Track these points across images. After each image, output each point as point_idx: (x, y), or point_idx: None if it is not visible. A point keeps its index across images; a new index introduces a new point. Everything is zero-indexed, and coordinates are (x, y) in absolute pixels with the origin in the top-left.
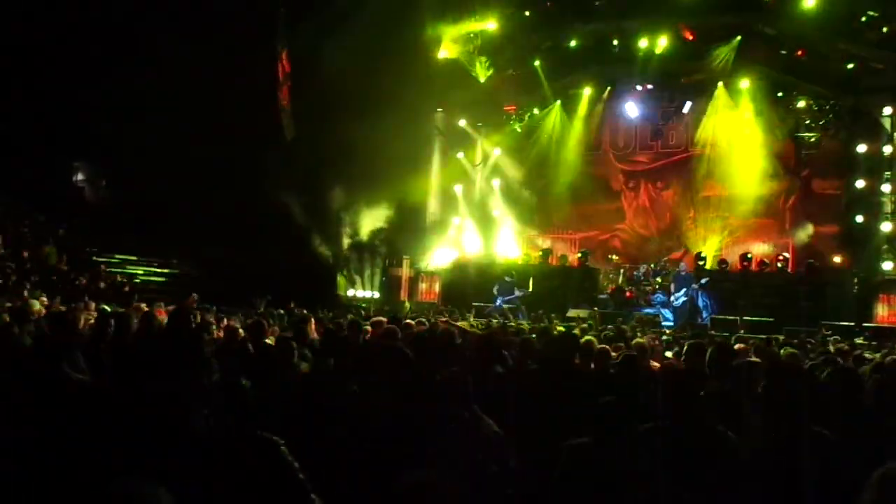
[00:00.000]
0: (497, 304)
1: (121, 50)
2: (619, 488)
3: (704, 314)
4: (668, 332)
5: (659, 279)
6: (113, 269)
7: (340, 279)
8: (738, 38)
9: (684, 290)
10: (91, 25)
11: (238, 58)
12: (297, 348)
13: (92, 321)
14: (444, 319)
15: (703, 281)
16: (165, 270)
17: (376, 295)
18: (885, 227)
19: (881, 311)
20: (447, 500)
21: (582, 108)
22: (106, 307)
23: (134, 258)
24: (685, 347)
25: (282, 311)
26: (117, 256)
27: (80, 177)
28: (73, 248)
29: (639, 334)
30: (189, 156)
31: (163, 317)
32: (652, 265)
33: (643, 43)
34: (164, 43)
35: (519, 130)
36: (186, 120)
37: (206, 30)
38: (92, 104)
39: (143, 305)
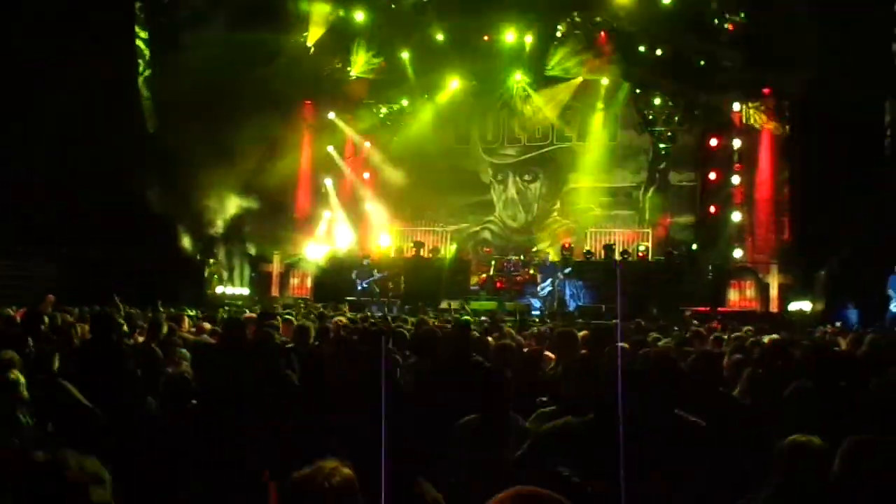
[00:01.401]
0: (358, 287)
1: None
2: None
3: (572, 303)
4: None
5: (529, 269)
6: None
7: (209, 276)
8: (601, 33)
9: (549, 280)
10: None
11: (95, 49)
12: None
13: None
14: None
15: (566, 270)
16: (19, 273)
17: (246, 291)
18: (736, 216)
19: (733, 296)
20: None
21: (450, 101)
22: None
23: None
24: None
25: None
26: None
27: None
28: None
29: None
30: (44, 151)
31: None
32: (521, 256)
33: (510, 37)
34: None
35: (389, 124)
36: (40, 114)
37: (61, 21)
38: None
39: None
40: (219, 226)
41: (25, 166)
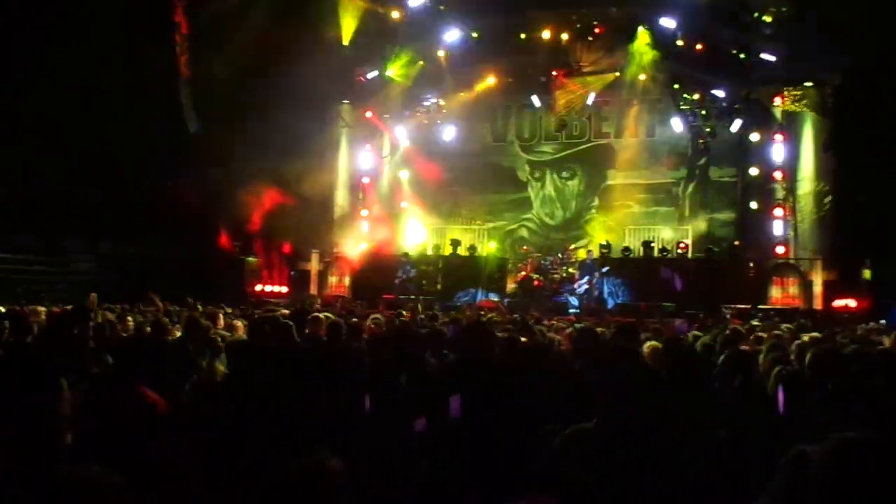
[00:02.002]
0: (397, 281)
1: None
2: None
3: (610, 301)
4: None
5: (566, 267)
6: (2, 267)
7: (247, 273)
8: (640, 29)
9: (587, 277)
10: None
11: (137, 46)
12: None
13: None
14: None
15: (604, 269)
16: (59, 269)
17: (284, 289)
18: (778, 212)
19: (775, 293)
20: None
21: (487, 99)
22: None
23: (27, 256)
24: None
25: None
26: (7, 255)
27: None
28: None
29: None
30: (83, 148)
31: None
32: (559, 254)
33: (546, 34)
34: (62, 28)
35: (426, 122)
36: (79, 111)
37: (105, 17)
38: None
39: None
40: (257, 224)
41: (68, 163)
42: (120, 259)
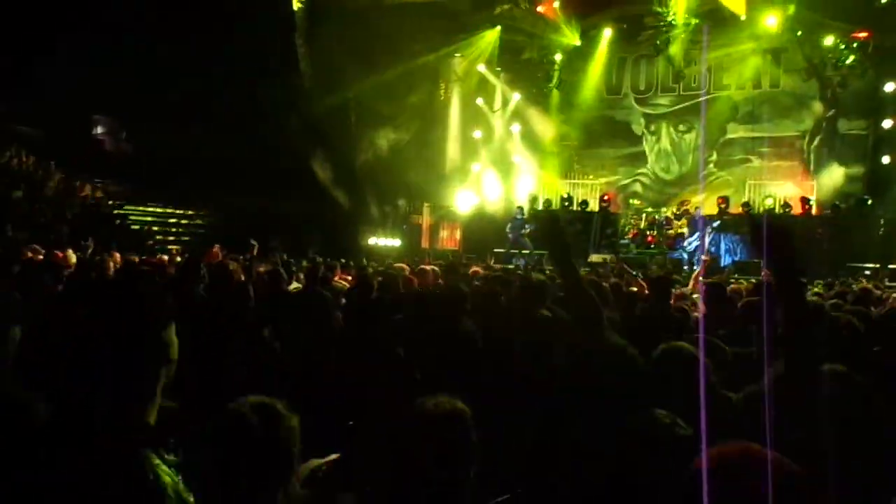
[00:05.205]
0: (510, 238)
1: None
2: None
3: (727, 258)
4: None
5: (680, 223)
6: (135, 219)
7: (361, 228)
8: None
9: (697, 234)
10: None
11: (255, 14)
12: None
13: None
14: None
15: (714, 224)
16: (187, 222)
17: (398, 243)
18: None
19: None
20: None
21: (602, 51)
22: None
23: (157, 209)
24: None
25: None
26: (139, 208)
27: (99, 129)
28: (95, 201)
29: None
30: (208, 107)
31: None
32: (673, 209)
33: None
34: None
35: (539, 75)
36: (203, 72)
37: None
38: (107, 59)
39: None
40: (373, 181)
41: (193, 124)
42: (237, 213)
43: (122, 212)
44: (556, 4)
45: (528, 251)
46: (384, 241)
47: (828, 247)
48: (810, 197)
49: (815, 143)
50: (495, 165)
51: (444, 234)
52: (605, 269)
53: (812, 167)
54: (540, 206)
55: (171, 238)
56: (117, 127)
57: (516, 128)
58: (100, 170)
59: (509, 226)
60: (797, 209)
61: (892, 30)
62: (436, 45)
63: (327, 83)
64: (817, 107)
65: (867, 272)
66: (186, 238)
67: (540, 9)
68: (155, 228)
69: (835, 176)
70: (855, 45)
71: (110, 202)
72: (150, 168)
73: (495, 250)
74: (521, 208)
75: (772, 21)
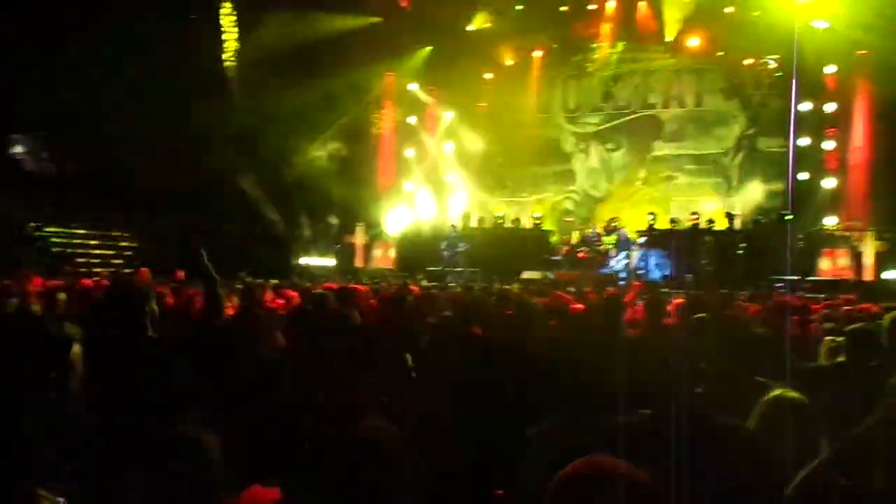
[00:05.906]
0: (445, 256)
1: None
2: None
3: (656, 272)
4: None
5: (610, 238)
6: (55, 241)
7: (293, 247)
8: None
9: (624, 252)
10: None
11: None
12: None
13: None
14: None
15: (640, 240)
16: (113, 243)
17: (331, 262)
18: (828, 183)
19: (824, 265)
20: None
21: (533, 70)
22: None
23: (80, 231)
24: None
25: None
26: (60, 229)
27: (17, 149)
28: (12, 221)
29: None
30: (135, 124)
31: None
32: (603, 226)
33: (592, 6)
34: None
35: (471, 94)
36: (129, 90)
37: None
38: (29, 76)
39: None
40: (303, 199)
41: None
42: (161, 232)
43: (42, 233)
44: (489, 24)
45: (460, 269)
46: (316, 261)
47: (747, 261)
48: (734, 212)
49: (738, 160)
50: (429, 184)
51: (377, 252)
52: (539, 286)
53: (735, 183)
54: (474, 224)
55: (96, 261)
56: (38, 147)
57: (449, 146)
58: (20, 190)
59: (444, 244)
60: (721, 224)
61: (807, 52)
62: (367, 63)
63: (256, 99)
64: (739, 125)
65: (782, 285)
66: (117, 261)
67: (471, 28)
68: (79, 251)
69: (756, 192)
70: (773, 66)
71: (31, 224)
72: (73, 188)
73: (428, 269)
74: (454, 226)
75: (694, 42)
